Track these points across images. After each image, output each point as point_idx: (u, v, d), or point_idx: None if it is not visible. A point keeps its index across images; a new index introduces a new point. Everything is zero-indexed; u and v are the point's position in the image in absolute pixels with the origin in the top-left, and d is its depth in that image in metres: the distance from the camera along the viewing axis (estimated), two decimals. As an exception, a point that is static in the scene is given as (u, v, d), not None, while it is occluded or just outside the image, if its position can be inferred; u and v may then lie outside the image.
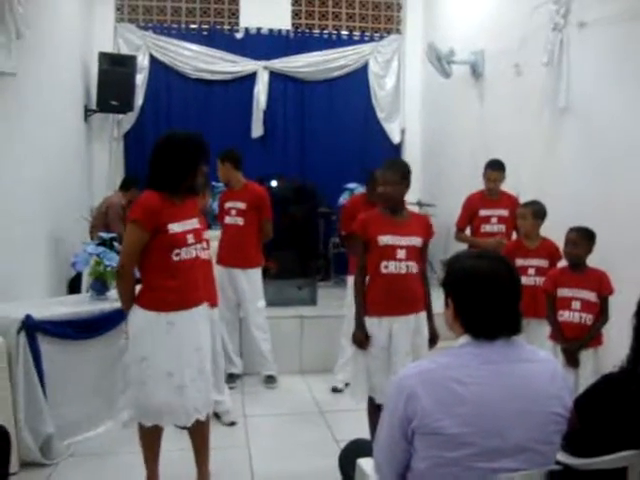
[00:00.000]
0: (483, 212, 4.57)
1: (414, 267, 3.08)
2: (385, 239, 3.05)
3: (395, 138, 7.65)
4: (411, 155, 7.47)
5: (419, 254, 3.13)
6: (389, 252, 3.05)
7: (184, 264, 2.65)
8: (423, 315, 3.16)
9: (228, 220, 4.54)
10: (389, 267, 3.05)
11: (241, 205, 4.50)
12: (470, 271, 1.57)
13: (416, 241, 3.09)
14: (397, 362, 3.02)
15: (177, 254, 2.63)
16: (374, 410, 3.07)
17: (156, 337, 2.61)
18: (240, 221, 4.50)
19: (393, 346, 3.06)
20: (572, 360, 3.23)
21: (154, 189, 2.65)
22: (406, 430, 1.50)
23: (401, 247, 3.04)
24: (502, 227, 4.50)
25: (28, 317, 3.19)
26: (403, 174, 3.10)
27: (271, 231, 4.59)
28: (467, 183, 5.20)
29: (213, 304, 3.71)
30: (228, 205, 4.56)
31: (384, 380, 3.02)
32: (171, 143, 2.69)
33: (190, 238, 2.68)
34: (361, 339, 3.08)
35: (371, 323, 3.09)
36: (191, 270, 2.69)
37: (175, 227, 2.62)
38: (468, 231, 4.72)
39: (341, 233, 4.88)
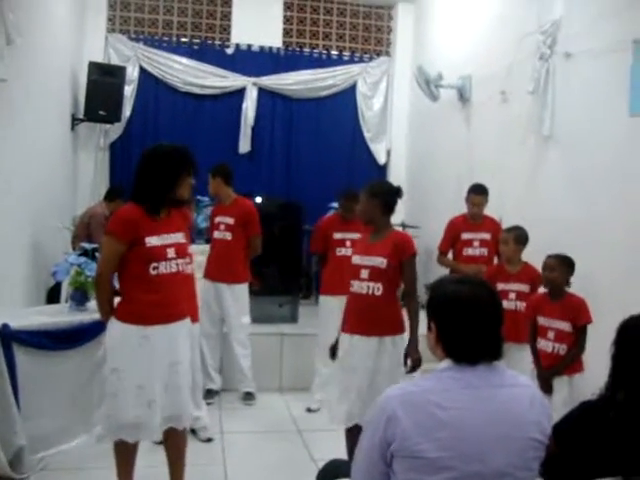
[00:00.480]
0: (465, 235, 4.60)
1: (378, 289, 3.01)
2: (354, 258, 3.12)
3: (381, 159, 7.71)
4: (396, 176, 7.52)
5: (387, 276, 3.03)
6: (355, 271, 3.08)
7: (162, 278, 2.63)
8: (389, 340, 3.04)
9: (217, 235, 4.54)
10: (354, 286, 3.09)
11: (229, 220, 4.50)
12: (452, 296, 1.58)
13: (379, 262, 3.01)
14: (354, 383, 3.00)
15: (155, 267, 2.61)
16: (349, 436, 3.06)
17: (129, 350, 2.60)
18: (228, 236, 4.50)
19: (352, 365, 3.04)
20: (545, 387, 3.24)
21: (137, 201, 2.65)
22: (385, 452, 1.50)
23: (365, 267, 3.04)
24: (484, 250, 4.53)
25: (4, 326, 3.14)
26: (372, 193, 3.09)
27: (259, 247, 4.59)
28: (451, 206, 5.24)
29: (194, 319, 3.69)
30: (217, 220, 4.56)
31: (346, 407, 3.02)
32: (155, 154, 2.69)
33: (170, 252, 2.65)
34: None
35: (342, 339, 3.13)
36: (171, 284, 2.66)
37: (153, 240, 2.60)
38: (450, 255, 4.75)
39: (312, 251, 4.90)
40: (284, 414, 4.42)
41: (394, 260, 3.02)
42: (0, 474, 3.08)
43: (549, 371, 3.30)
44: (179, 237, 2.72)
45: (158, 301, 2.63)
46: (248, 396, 4.59)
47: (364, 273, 3.03)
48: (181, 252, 2.71)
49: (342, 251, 4.35)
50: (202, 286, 4.62)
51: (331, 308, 4.12)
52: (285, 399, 4.72)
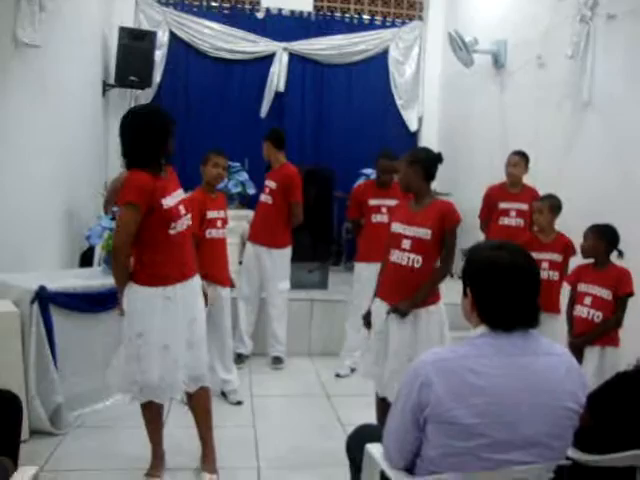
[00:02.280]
0: (503, 205, 4.53)
1: (417, 261, 2.90)
2: (395, 226, 3.00)
3: (412, 126, 7.59)
4: (428, 143, 7.37)
5: (428, 247, 2.91)
6: (396, 240, 2.97)
7: (180, 236, 2.68)
8: (424, 311, 2.93)
9: (262, 198, 4.57)
10: (394, 255, 2.97)
11: (273, 184, 4.51)
12: (490, 262, 1.55)
13: (423, 232, 2.90)
14: (388, 357, 2.95)
15: (173, 227, 2.65)
16: (380, 404, 3.05)
17: (154, 312, 2.63)
18: (269, 200, 4.51)
19: (389, 337, 2.97)
20: (575, 355, 3.20)
21: (138, 167, 2.60)
22: (418, 417, 1.50)
23: (407, 237, 2.93)
24: (521, 221, 4.45)
25: (42, 288, 3.22)
26: (412, 160, 2.97)
27: (300, 215, 4.54)
28: (484, 173, 5.17)
29: (224, 283, 3.74)
30: (266, 183, 4.58)
31: (378, 371, 2.98)
32: (140, 118, 2.66)
33: (182, 210, 2.72)
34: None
35: (375, 303, 3.08)
36: (184, 242, 2.73)
37: (168, 201, 2.63)
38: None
39: (348, 217, 4.87)
40: (313, 379, 4.46)
41: (438, 230, 2.90)
42: (41, 429, 3.20)
43: (580, 339, 3.26)
44: (182, 193, 2.79)
45: (179, 260, 2.68)
46: (277, 360, 4.64)
47: (406, 243, 2.91)
48: (187, 207, 2.78)
49: (377, 217, 4.30)
50: (245, 249, 4.70)
51: (367, 276, 4.07)
52: (314, 364, 4.77)
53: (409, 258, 2.90)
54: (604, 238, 3.30)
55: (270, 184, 4.54)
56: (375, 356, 3.02)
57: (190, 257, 2.78)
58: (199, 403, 2.90)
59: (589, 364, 3.21)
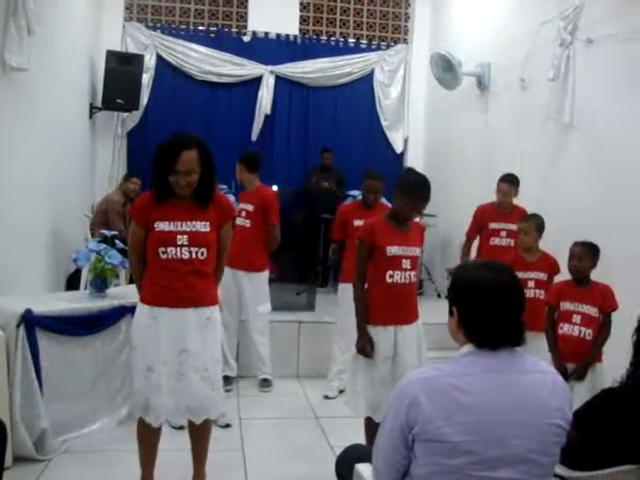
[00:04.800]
0: (493, 225, 4.58)
1: (414, 276, 3.13)
2: (394, 250, 3.04)
3: (398, 147, 7.68)
4: (413, 165, 7.45)
5: (418, 262, 3.19)
6: (396, 262, 3.03)
7: (171, 263, 2.66)
8: (421, 324, 3.18)
9: (238, 221, 4.53)
10: (394, 277, 3.04)
11: (250, 207, 4.51)
12: (476, 281, 1.57)
13: (418, 251, 3.14)
14: (404, 373, 2.98)
15: (163, 252, 2.65)
16: (371, 428, 3.02)
17: (141, 329, 2.70)
18: (247, 223, 4.50)
19: (400, 356, 3.04)
20: (580, 377, 3.24)
21: (152, 188, 2.73)
22: (407, 436, 1.50)
23: (406, 257, 3.05)
24: (511, 241, 4.48)
25: (28, 311, 3.19)
26: (398, 186, 3.06)
27: (278, 237, 4.53)
28: (468, 194, 5.23)
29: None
30: (240, 206, 4.57)
31: (386, 394, 2.96)
32: (158, 146, 2.68)
33: (182, 239, 2.65)
34: (365, 346, 3.02)
35: (375, 332, 3.05)
36: (180, 271, 2.67)
37: (163, 225, 2.65)
38: (476, 242, 4.73)
39: (332, 238, 4.88)
40: (301, 401, 4.44)
41: (421, 247, 3.22)
42: (25, 455, 3.15)
43: (582, 365, 3.25)
44: (198, 225, 2.70)
45: (165, 284, 2.67)
46: (265, 383, 4.61)
47: (406, 263, 3.04)
48: (195, 240, 2.68)
49: None
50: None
51: (351, 296, 4.08)
52: (302, 386, 4.75)
53: (410, 275, 3.08)
54: (597, 256, 3.34)
55: (247, 207, 4.52)
56: (380, 384, 3.02)
57: (187, 287, 2.68)
58: (194, 434, 2.89)
59: (583, 382, 3.22)
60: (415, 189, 2.99)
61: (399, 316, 3.06)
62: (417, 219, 3.59)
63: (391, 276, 3.04)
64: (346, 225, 4.44)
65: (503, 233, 4.54)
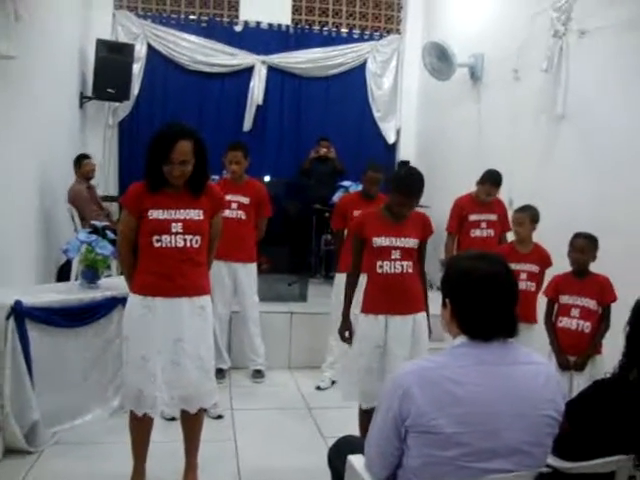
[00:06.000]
0: (473, 217, 4.58)
1: (410, 267, 3.08)
2: (379, 241, 3.05)
3: (390, 138, 7.67)
4: (405, 155, 7.51)
5: (415, 254, 3.13)
6: (383, 253, 3.06)
7: (165, 251, 2.65)
8: (422, 317, 3.13)
9: (230, 214, 4.43)
10: (384, 267, 3.06)
11: (244, 200, 4.46)
12: (469, 272, 1.57)
13: (412, 242, 3.08)
14: (391, 364, 3.00)
15: (157, 240, 2.64)
16: (364, 416, 3.06)
17: (135, 319, 2.69)
18: (242, 215, 4.45)
19: (388, 346, 3.05)
20: (580, 369, 3.26)
21: (144, 178, 2.71)
22: (399, 428, 1.50)
23: (396, 248, 3.05)
24: (491, 232, 4.52)
25: (18, 303, 3.16)
26: (390, 180, 3.14)
27: (264, 228, 4.59)
28: (461, 185, 5.21)
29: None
30: (229, 198, 4.47)
31: (374, 382, 3.01)
32: (153, 135, 2.67)
33: (176, 227, 2.66)
34: (343, 333, 3.16)
35: (367, 320, 3.09)
36: (174, 259, 2.66)
37: (156, 213, 2.64)
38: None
39: (332, 228, 4.88)
40: (294, 392, 4.44)
41: (421, 239, 3.15)
42: (16, 447, 3.13)
43: (582, 358, 3.26)
44: (191, 213, 2.70)
45: (160, 273, 2.66)
46: (257, 374, 4.61)
47: (395, 253, 3.04)
48: (190, 228, 2.69)
49: None
50: (214, 266, 4.62)
51: None
52: (294, 377, 4.75)
53: (402, 265, 3.06)
54: (597, 248, 3.34)
55: (240, 199, 4.45)
56: (366, 372, 3.04)
57: (181, 275, 2.69)
58: (186, 424, 2.89)
59: (583, 374, 3.25)
60: (404, 185, 3.00)
61: (390, 306, 3.06)
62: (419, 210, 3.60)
63: (381, 266, 3.07)
64: (346, 215, 4.44)
65: (483, 224, 4.54)
